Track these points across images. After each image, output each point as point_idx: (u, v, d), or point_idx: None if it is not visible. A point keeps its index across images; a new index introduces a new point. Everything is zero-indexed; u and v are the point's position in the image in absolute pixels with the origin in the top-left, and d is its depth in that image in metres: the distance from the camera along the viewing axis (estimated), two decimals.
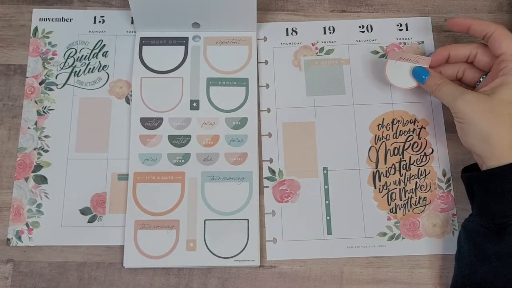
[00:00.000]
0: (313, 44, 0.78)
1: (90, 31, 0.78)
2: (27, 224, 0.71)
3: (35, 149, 0.73)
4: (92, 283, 0.70)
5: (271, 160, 0.74)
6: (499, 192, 0.61)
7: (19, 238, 0.70)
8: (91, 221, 0.71)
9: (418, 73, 0.71)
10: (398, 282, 0.70)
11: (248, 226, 0.71)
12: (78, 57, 0.77)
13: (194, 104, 0.75)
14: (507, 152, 0.61)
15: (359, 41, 0.78)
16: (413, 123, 0.75)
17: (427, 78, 0.70)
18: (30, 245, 0.70)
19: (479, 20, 0.68)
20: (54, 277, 0.70)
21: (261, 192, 0.73)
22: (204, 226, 0.71)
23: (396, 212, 0.72)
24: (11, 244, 0.70)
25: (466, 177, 0.67)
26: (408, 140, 0.74)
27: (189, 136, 0.74)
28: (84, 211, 0.72)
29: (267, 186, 0.73)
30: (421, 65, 0.71)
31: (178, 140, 0.74)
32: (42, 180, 0.72)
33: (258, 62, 0.77)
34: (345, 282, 0.70)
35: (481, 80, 0.70)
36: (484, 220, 0.62)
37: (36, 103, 0.75)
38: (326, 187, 0.73)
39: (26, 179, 0.72)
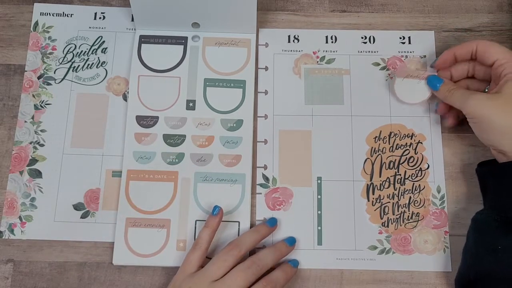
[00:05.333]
0: (314, 53, 0.77)
1: (90, 27, 0.78)
2: (20, 218, 0.71)
3: (31, 143, 0.73)
4: (92, 283, 0.70)
5: (265, 167, 0.73)
6: None
7: (12, 231, 0.71)
8: (84, 216, 0.72)
9: (432, 81, 0.72)
10: (398, 282, 0.70)
11: (239, 229, 0.71)
12: (77, 52, 0.77)
13: (191, 104, 0.75)
14: None
15: (361, 52, 0.77)
16: (410, 137, 0.74)
17: (440, 85, 0.70)
18: (22, 239, 0.71)
19: (459, 44, 0.70)
20: (54, 277, 0.70)
21: (253, 197, 0.73)
22: (195, 227, 0.71)
23: (388, 226, 0.71)
24: (3, 237, 0.71)
25: (481, 171, 0.67)
26: (404, 154, 0.73)
27: (184, 136, 0.74)
28: (77, 207, 0.72)
29: (260, 193, 0.73)
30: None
31: (173, 140, 0.74)
32: (37, 174, 0.73)
33: (258, 68, 0.77)
34: (345, 282, 0.70)
35: (486, 89, 0.71)
36: (496, 213, 0.63)
37: (34, 97, 0.75)
38: (319, 197, 0.72)
39: (21, 172, 0.73)
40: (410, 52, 0.77)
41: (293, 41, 0.78)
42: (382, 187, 0.72)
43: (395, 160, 0.73)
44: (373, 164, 0.73)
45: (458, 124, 0.72)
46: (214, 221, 0.68)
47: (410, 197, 0.72)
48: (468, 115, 0.66)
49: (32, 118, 0.74)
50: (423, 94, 0.73)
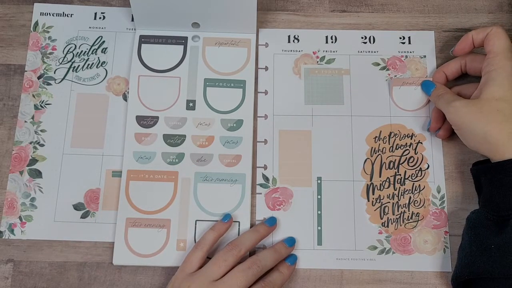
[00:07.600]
0: (314, 53, 0.77)
1: (90, 27, 0.78)
2: (20, 218, 0.71)
3: (31, 143, 0.73)
4: (92, 283, 0.70)
5: (265, 167, 0.73)
6: (504, 185, 0.62)
7: (12, 231, 0.71)
8: (84, 216, 0.72)
9: (425, 87, 0.74)
10: (398, 282, 0.70)
11: (239, 229, 0.71)
12: (77, 52, 0.77)
13: (191, 104, 0.75)
14: (507, 146, 0.62)
15: (361, 52, 0.77)
16: (410, 138, 0.74)
17: (432, 90, 0.71)
18: (22, 239, 0.71)
19: (476, 30, 0.70)
20: (54, 277, 0.70)
21: (253, 197, 0.73)
22: (195, 227, 0.71)
23: (388, 226, 0.71)
24: (3, 237, 0.71)
25: (475, 170, 0.68)
26: (404, 154, 0.73)
27: (184, 136, 0.74)
28: (77, 207, 0.72)
29: (260, 193, 0.73)
30: None
31: (173, 140, 0.74)
32: (37, 174, 0.73)
33: (258, 68, 0.77)
34: (345, 282, 0.70)
35: None
36: (489, 212, 0.63)
37: (34, 97, 0.75)
38: (319, 197, 0.72)
39: (21, 172, 0.73)
40: (410, 52, 0.77)
41: (293, 41, 0.78)
42: (382, 187, 0.72)
43: (395, 160, 0.73)
44: (373, 164, 0.73)
45: (449, 135, 0.73)
46: (222, 226, 0.69)
47: (410, 197, 0.72)
48: (450, 122, 0.68)
49: (32, 118, 0.74)
50: (422, 99, 0.75)
